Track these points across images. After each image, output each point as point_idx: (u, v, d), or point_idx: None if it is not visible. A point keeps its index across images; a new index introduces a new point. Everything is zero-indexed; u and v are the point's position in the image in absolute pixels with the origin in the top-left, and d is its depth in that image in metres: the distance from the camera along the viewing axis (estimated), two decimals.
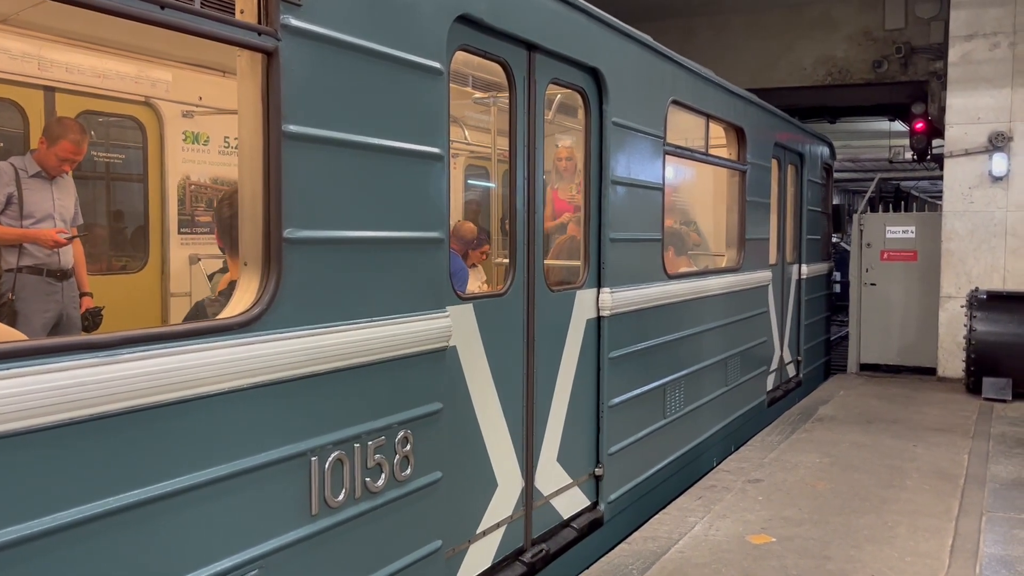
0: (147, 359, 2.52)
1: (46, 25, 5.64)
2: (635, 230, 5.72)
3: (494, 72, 4.90)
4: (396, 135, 3.52)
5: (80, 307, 5.60)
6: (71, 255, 5.47)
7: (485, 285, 8.13)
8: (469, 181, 10.20)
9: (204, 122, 7.08)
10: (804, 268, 10.44)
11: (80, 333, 5.50)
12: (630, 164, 5.61)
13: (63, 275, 5.41)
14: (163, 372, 2.55)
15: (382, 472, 3.45)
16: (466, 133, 8.92)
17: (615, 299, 5.38)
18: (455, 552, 4.07)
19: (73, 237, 5.38)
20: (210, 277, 6.68)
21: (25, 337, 2.70)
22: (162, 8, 2.58)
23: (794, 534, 5.29)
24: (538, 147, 4.65)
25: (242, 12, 2.94)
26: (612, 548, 5.25)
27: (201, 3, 4.25)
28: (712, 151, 7.58)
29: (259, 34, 2.88)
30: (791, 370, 10.26)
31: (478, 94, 6.73)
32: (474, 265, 7.70)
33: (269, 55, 2.92)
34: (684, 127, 7.10)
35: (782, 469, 6.73)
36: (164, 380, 2.56)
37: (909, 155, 17.73)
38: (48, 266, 5.33)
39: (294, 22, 2.99)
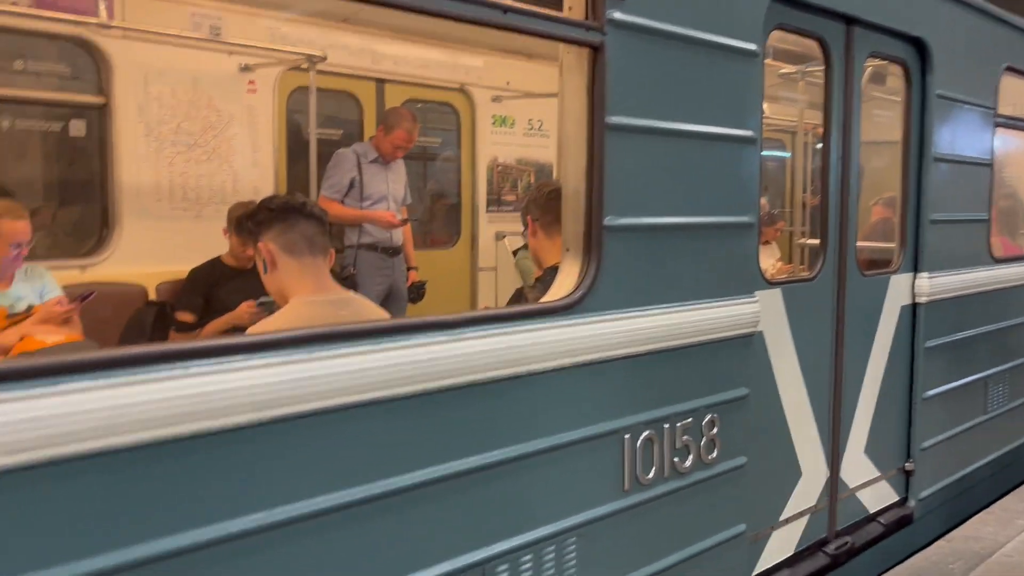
0: (485, 338, 2.75)
1: (377, 21, 6.21)
2: (958, 210, 5.29)
3: (801, 43, 4.73)
4: (711, 120, 3.53)
5: (407, 280, 6.18)
6: (401, 233, 6.04)
7: (780, 262, 7.89)
8: (764, 154, 9.92)
9: (510, 106, 7.48)
10: None
11: (406, 304, 6.08)
12: (955, 139, 5.18)
13: (394, 251, 6.00)
14: (499, 350, 2.77)
15: (689, 453, 3.51)
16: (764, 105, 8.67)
17: (933, 285, 5.02)
18: (758, 537, 4.06)
19: (406, 221, 5.94)
20: (514, 253, 7.08)
21: (388, 315, 3.04)
22: (504, 12, 2.77)
23: None
24: (854, 124, 4.44)
25: (570, 9, 3.08)
26: (924, 547, 4.96)
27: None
28: None
29: (587, 30, 3.01)
30: None
31: (784, 68, 6.51)
32: (767, 242, 7.51)
33: (595, 49, 3.04)
34: (1019, 93, 6.41)
35: None
36: (500, 357, 2.77)
37: None
38: (382, 243, 5.92)
39: (619, 16, 3.08)
